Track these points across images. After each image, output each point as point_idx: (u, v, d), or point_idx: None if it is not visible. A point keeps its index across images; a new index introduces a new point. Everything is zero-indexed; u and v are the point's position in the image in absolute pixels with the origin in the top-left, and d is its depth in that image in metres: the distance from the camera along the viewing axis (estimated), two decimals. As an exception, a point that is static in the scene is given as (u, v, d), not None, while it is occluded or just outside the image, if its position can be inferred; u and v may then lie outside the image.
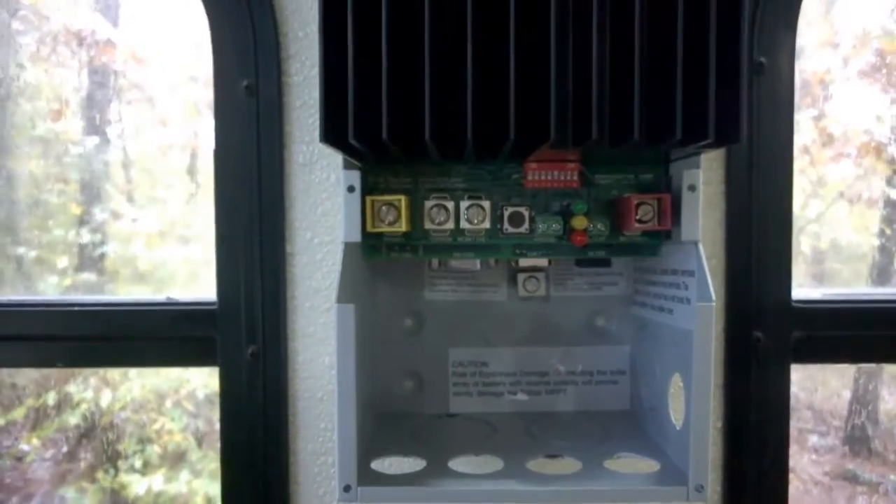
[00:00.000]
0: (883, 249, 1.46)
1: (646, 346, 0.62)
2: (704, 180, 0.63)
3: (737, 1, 0.44)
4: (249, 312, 0.66)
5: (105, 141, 1.43)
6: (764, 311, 0.65)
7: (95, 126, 1.42)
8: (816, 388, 1.50)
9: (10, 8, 1.29)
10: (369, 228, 0.53)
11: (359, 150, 0.48)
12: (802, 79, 1.38)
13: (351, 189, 0.53)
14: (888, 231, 1.46)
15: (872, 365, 1.48)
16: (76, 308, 0.68)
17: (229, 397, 0.66)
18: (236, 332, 0.66)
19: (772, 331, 0.65)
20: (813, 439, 1.53)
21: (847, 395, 1.50)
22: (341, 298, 0.50)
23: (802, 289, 0.67)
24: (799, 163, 0.63)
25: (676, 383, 0.56)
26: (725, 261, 0.65)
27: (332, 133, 0.45)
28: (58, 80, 1.42)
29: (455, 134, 0.44)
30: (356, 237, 0.53)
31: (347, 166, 0.53)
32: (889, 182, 1.46)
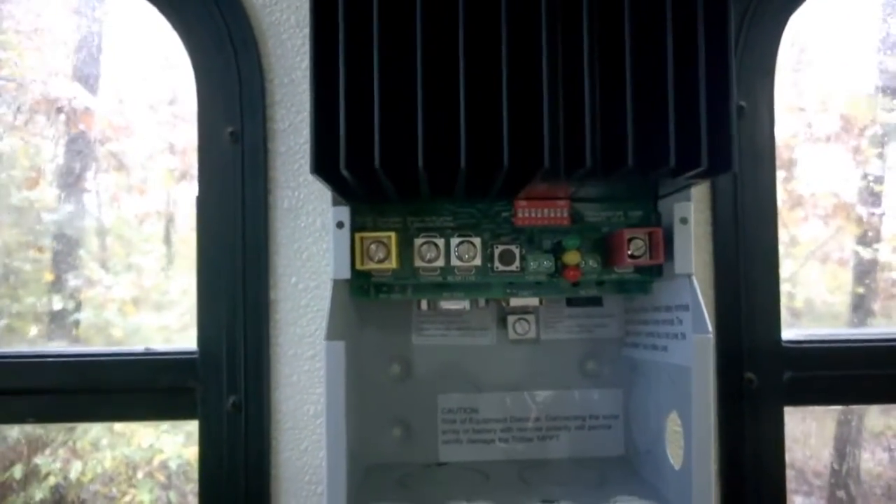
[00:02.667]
0: (857, 308, 1.48)
1: (639, 387, 0.60)
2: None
3: (724, 33, 0.45)
4: (231, 361, 0.64)
5: (80, 208, 1.41)
6: (755, 352, 0.65)
7: (71, 194, 1.40)
8: (792, 446, 1.49)
9: None
10: (358, 266, 0.52)
11: (349, 184, 0.48)
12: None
13: (340, 225, 0.52)
14: (861, 290, 1.48)
15: (853, 424, 1.47)
16: (49, 359, 0.65)
17: (209, 450, 0.64)
18: (217, 382, 0.64)
19: (763, 372, 0.65)
20: (797, 500, 1.50)
21: (827, 453, 1.49)
22: (330, 335, 0.49)
23: (791, 329, 0.67)
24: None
25: (673, 424, 0.55)
26: (715, 301, 0.65)
27: (323, 164, 0.44)
28: (34, 148, 1.42)
29: (448, 163, 0.44)
30: (345, 274, 0.52)
31: (336, 203, 0.53)
32: (860, 241, 1.49)
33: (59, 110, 1.42)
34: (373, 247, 0.52)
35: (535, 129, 0.44)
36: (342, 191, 0.51)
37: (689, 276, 0.52)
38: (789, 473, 1.50)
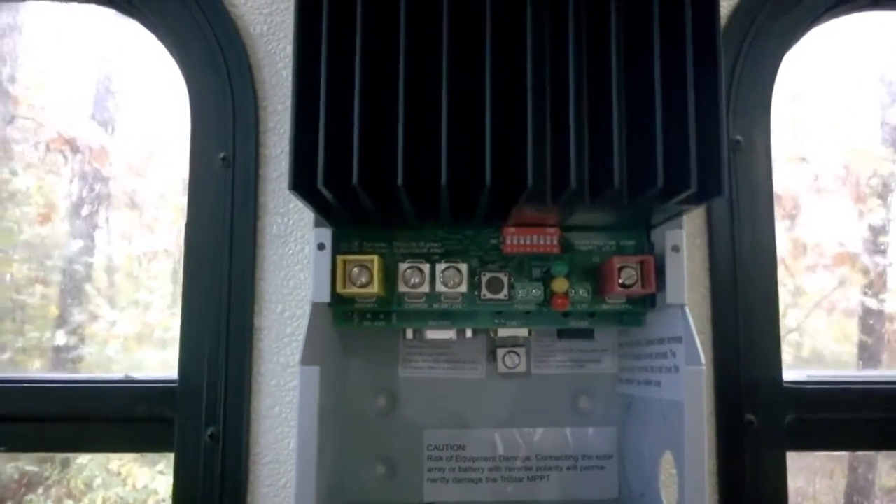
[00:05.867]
0: (865, 358, 1.45)
1: (633, 425, 0.58)
2: (687, 256, 0.62)
3: (714, 56, 0.44)
4: (211, 390, 0.62)
5: (90, 245, 1.42)
6: (755, 392, 0.62)
7: (82, 230, 1.41)
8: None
9: (7, 116, 1.31)
10: (339, 290, 0.51)
11: (330, 204, 0.46)
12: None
13: (321, 247, 0.51)
14: (868, 340, 1.46)
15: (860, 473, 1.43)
16: (23, 385, 0.63)
17: (184, 484, 0.61)
18: (196, 413, 0.62)
19: (764, 414, 0.62)
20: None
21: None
22: (306, 360, 0.47)
23: (792, 370, 0.65)
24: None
25: (668, 465, 0.53)
26: (712, 339, 0.63)
27: (301, 180, 0.43)
28: (49, 185, 1.43)
29: (429, 181, 0.43)
30: (325, 297, 0.51)
31: (318, 224, 0.52)
32: (866, 291, 1.47)
33: (75, 149, 1.44)
34: (355, 270, 0.51)
35: (520, 148, 0.43)
36: (323, 211, 0.49)
37: (681, 306, 0.50)
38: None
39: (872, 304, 1.47)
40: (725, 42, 0.64)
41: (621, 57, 0.44)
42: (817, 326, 1.46)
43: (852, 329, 1.47)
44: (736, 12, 0.65)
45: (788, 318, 1.45)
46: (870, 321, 1.46)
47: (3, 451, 0.65)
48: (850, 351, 1.47)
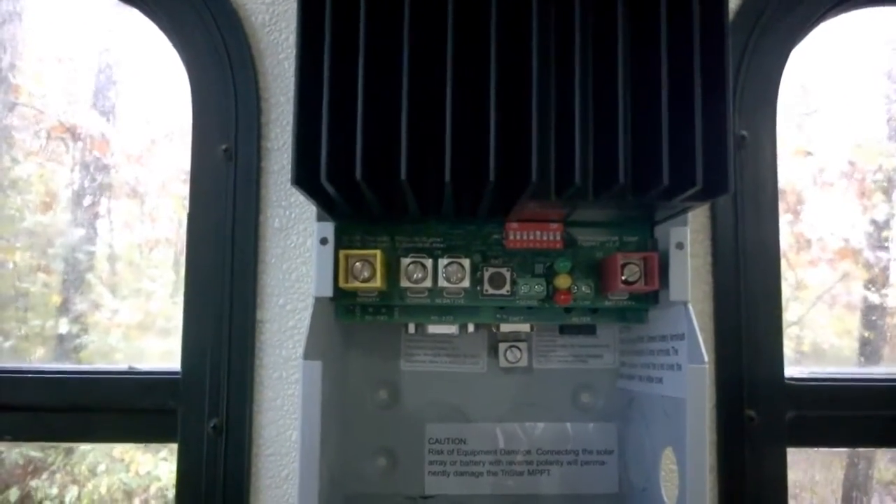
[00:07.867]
0: (866, 352, 1.45)
1: (634, 421, 0.58)
2: (690, 253, 0.62)
3: (721, 57, 0.43)
4: (214, 382, 0.62)
5: (92, 234, 1.42)
6: (756, 388, 0.62)
7: (83, 219, 1.41)
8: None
9: (8, 103, 1.31)
10: (342, 284, 0.50)
11: (332, 199, 0.46)
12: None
13: (324, 241, 0.51)
14: (869, 334, 1.46)
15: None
16: (28, 375, 0.64)
17: (187, 474, 0.61)
18: (199, 404, 0.62)
19: (765, 410, 0.62)
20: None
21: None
22: (308, 355, 0.47)
23: (794, 367, 0.65)
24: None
25: (669, 461, 0.53)
26: (714, 334, 0.63)
27: (304, 175, 0.43)
28: (50, 173, 1.43)
29: (433, 177, 0.43)
30: (327, 292, 0.51)
31: (321, 218, 0.52)
32: (868, 286, 1.46)
33: (76, 137, 1.43)
34: (358, 265, 0.51)
35: (524, 143, 0.42)
36: (326, 205, 0.49)
37: (684, 303, 0.50)
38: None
39: (875, 298, 1.47)
40: (732, 38, 0.64)
41: (627, 51, 0.43)
42: (818, 320, 1.46)
43: (853, 323, 1.47)
44: (743, 8, 0.65)
45: (790, 311, 1.45)
46: (871, 316, 1.46)
47: (8, 440, 0.65)
48: (850, 345, 1.47)
